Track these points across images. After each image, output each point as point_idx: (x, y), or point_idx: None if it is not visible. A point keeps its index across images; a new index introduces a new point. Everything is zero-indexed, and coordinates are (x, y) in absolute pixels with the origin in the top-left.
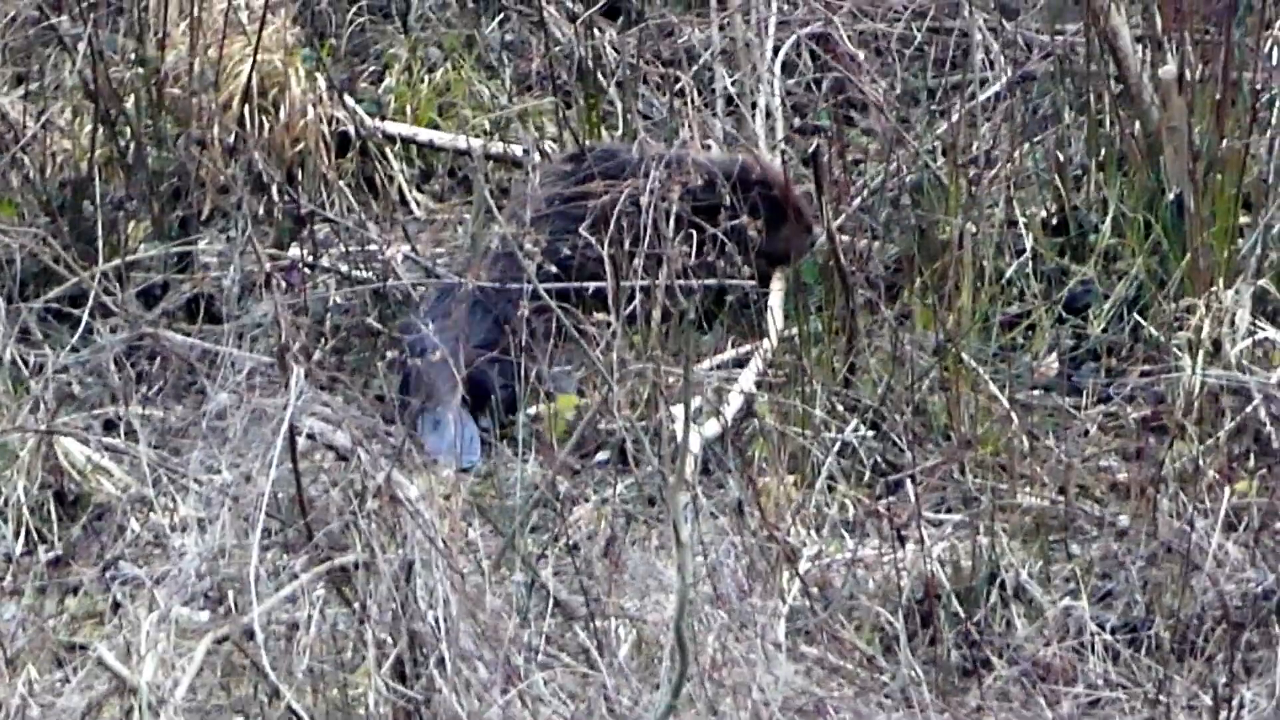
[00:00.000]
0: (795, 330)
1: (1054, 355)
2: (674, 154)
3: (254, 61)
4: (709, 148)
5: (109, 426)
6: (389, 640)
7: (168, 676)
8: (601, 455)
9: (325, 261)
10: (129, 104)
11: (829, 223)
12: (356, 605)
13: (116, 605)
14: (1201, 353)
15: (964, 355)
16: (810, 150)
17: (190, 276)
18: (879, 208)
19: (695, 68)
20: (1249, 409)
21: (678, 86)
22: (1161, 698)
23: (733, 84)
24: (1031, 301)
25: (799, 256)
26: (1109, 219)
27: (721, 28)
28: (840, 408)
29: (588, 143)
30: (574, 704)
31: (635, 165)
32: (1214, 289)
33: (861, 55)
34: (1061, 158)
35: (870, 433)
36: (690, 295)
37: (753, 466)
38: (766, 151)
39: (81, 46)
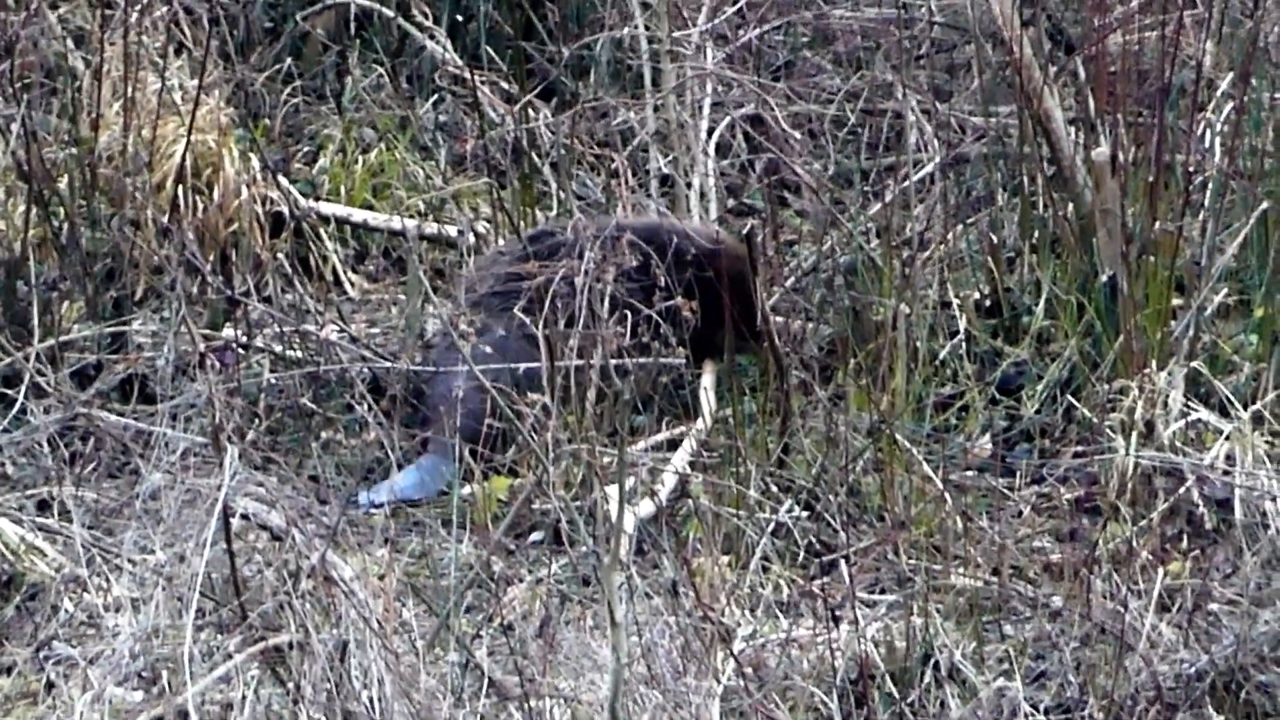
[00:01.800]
0: (730, 411)
1: (988, 436)
2: (612, 224)
3: (188, 142)
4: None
5: (43, 506)
6: None
7: None
8: (536, 535)
9: (259, 342)
10: (62, 184)
11: (763, 307)
12: (291, 685)
13: (50, 685)
14: (1135, 434)
15: (898, 436)
16: (744, 231)
17: (124, 357)
18: (813, 289)
19: (630, 148)
20: (1182, 490)
21: (612, 167)
22: None
23: (667, 164)
24: (965, 382)
25: (739, 351)
26: (1042, 300)
27: (656, 109)
28: (774, 488)
29: (523, 225)
30: None
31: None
32: (1147, 371)
33: (796, 136)
34: (995, 239)
35: (804, 513)
36: (625, 376)
37: (687, 547)
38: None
39: (15, 127)
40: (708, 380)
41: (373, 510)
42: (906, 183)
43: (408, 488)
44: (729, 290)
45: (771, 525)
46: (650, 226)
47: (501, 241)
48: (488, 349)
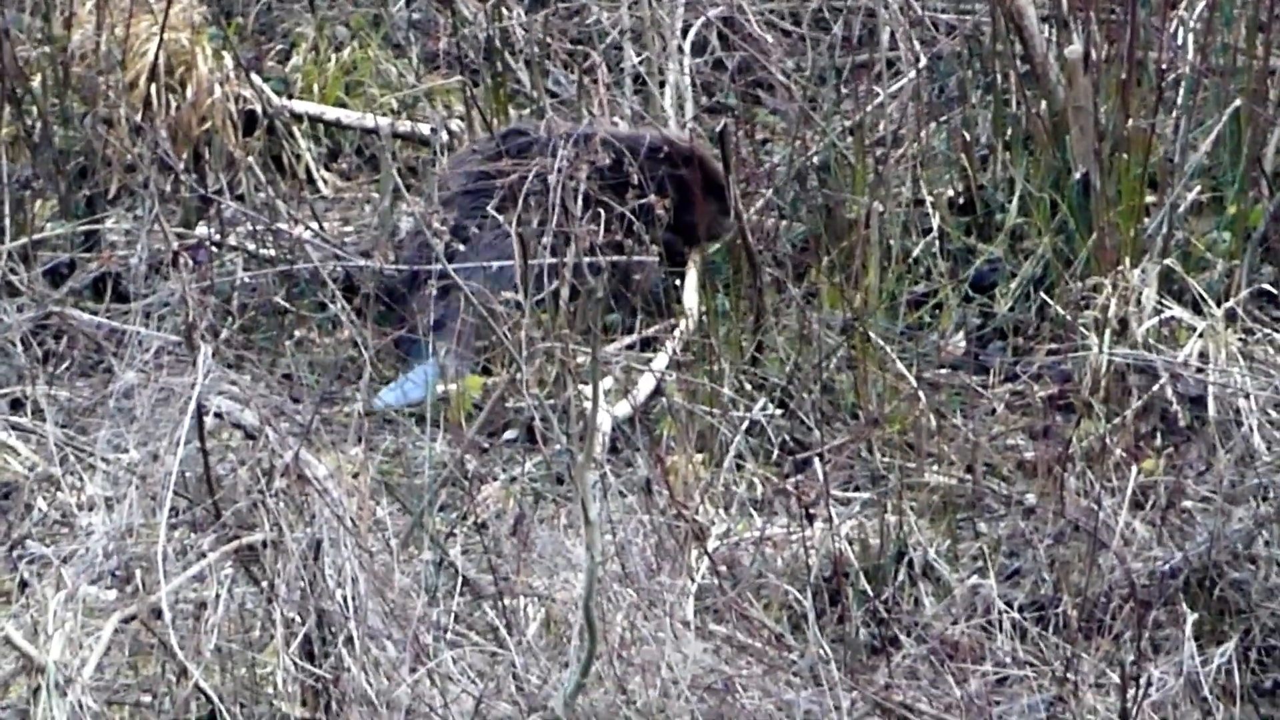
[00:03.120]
0: (703, 309)
1: (961, 334)
2: (583, 131)
3: (160, 40)
4: (618, 125)
5: (15, 405)
6: (297, 619)
7: (75, 655)
8: (510, 434)
9: (232, 240)
10: (35, 83)
11: (736, 202)
12: (264, 584)
13: (23, 584)
14: (1108, 331)
15: (871, 334)
16: (718, 130)
17: (97, 255)
18: (786, 187)
19: (604, 46)
20: (1155, 387)
21: (586, 65)
22: (1069, 675)
23: (641, 63)
24: (938, 280)
25: (714, 237)
26: (1015, 198)
27: (630, 7)
28: (748, 386)
29: (496, 122)
30: (482, 682)
31: (544, 144)
32: (1120, 268)
33: (769, 36)
34: (968, 137)
35: (778, 411)
36: (598, 274)
37: (661, 445)
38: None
39: None
40: (690, 278)
41: (391, 409)
42: (880, 81)
43: (417, 389)
44: (702, 187)
45: (745, 423)
46: (624, 133)
47: (474, 139)
48: (462, 248)
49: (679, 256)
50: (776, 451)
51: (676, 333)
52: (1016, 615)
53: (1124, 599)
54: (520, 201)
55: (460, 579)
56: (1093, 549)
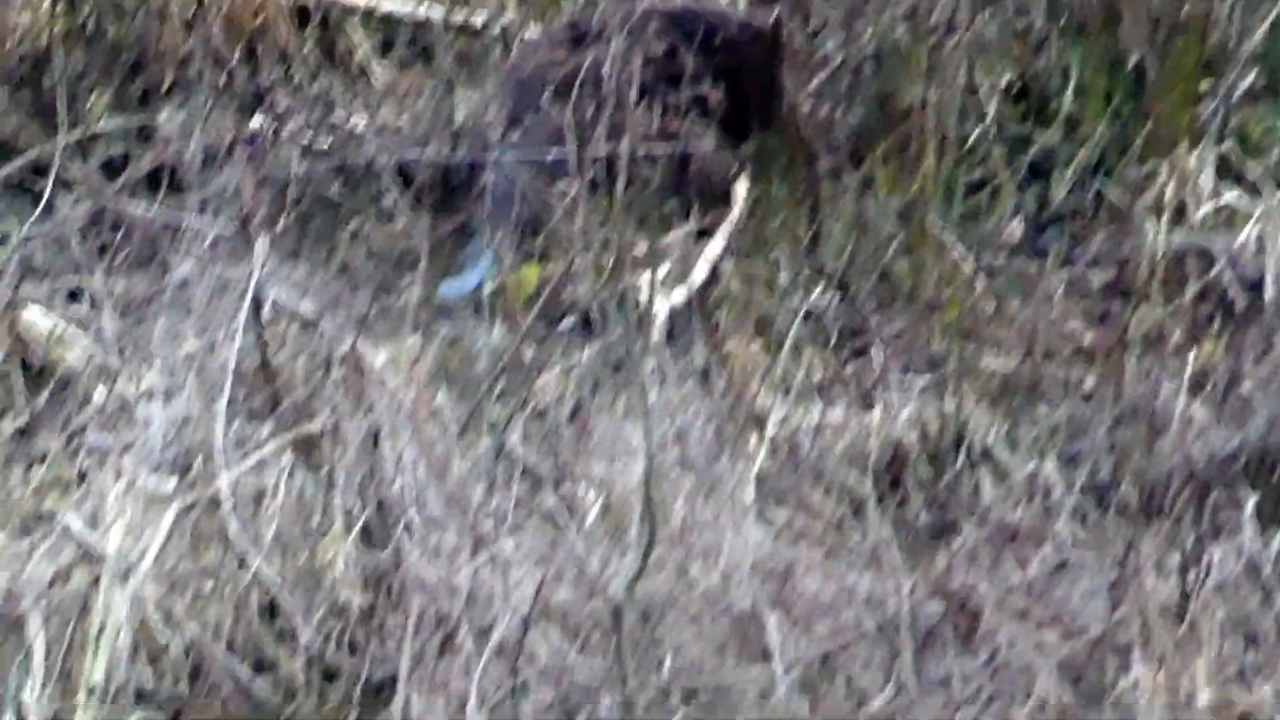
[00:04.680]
0: (760, 197)
1: (1018, 220)
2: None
3: None
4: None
5: (73, 297)
6: (356, 507)
7: (135, 545)
8: (566, 322)
9: (287, 133)
10: None
11: (792, 89)
12: (323, 472)
13: (83, 474)
14: (1165, 216)
15: (928, 220)
16: (772, 17)
17: (152, 148)
18: (841, 75)
19: None
20: (1213, 272)
21: None
22: (1129, 559)
23: None
24: (995, 166)
25: (769, 123)
26: (1071, 84)
27: None
28: (805, 273)
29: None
30: (543, 568)
31: (600, 33)
32: (1177, 153)
33: None
34: (1022, 24)
35: (836, 297)
36: (655, 163)
37: (719, 332)
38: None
39: None
40: (741, 169)
41: (455, 299)
42: None
43: (474, 278)
44: (758, 74)
45: (803, 310)
46: (680, 10)
47: (531, 30)
48: (517, 137)
49: (742, 140)
50: (834, 337)
51: (733, 219)
52: (1076, 499)
53: (1183, 482)
54: (577, 89)
55: (519, 466)
56: (1152, 433)
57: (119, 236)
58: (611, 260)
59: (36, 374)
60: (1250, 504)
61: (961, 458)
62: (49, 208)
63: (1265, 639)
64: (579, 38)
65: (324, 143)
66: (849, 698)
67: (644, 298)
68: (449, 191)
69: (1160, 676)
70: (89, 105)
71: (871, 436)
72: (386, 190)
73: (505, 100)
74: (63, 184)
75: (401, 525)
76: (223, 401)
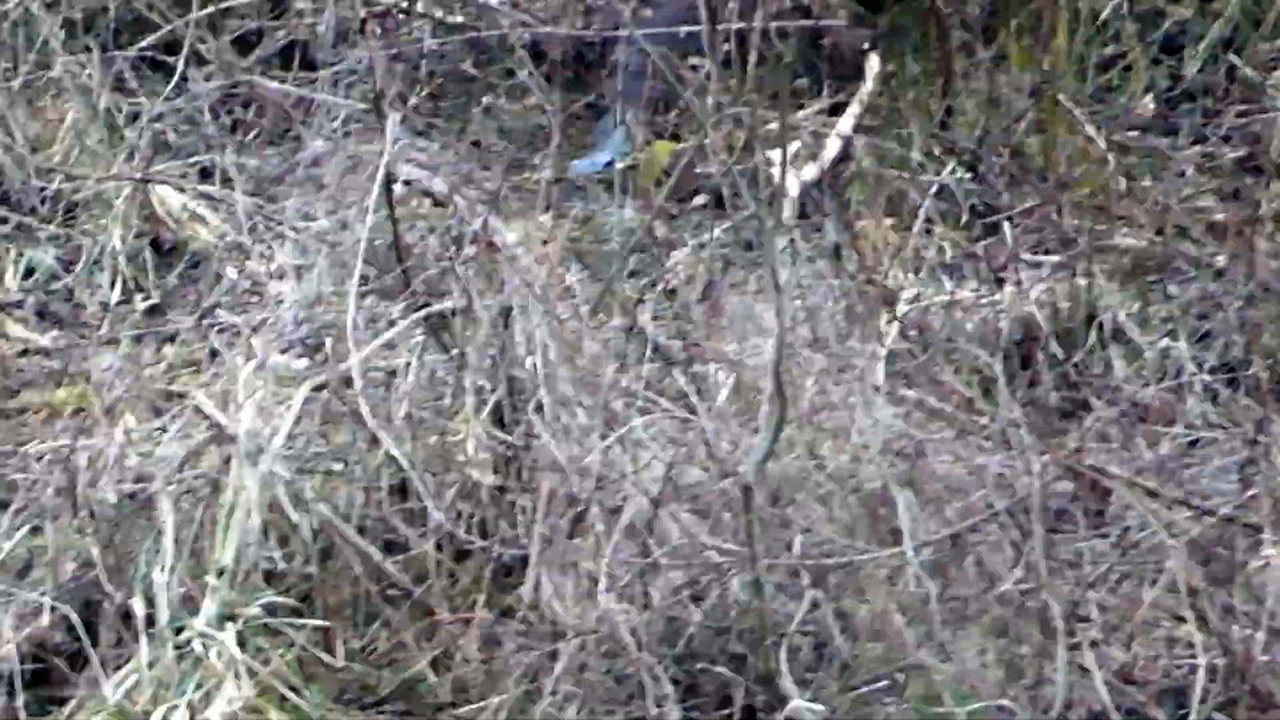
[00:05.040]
0: (892, 73)
1: (1150, 96)
2: None
3: None
4: None
5: (204, 174)
6: (487, 386)
7: (266, 424)
8: (698, 200)
9: (420, 7)
10: None
11: None
12: (454, 352)
13: (214, 353)
14: None
15: (1060, 96)
16: None
17: (285, 23)
18: None
19: None
20: None
21: None
22: (1260, 438)
23: None
24: (1127, 43)
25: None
26: None
27: None
28: (937, 150)
29: None
30: (673, 448)
31: None
32: None
33: None
34: None
35: (967, 175)
36: (786, 39)
37: (850, 210)
38: None
39: None
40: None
41: (586, 176)
42: None
43: (606, 155)
44: None
45: (934, 187)
46: None
47: None
48: (649, 13)
49: (875, 16)
50: (965, 215)
51: (864, 96)
52: (1207, 377)
53: None
54: None
55: (650, 345)
56: None
57: (251, 113)
58: (743, 137)
59: (167, 252)
60: None
61: (1092, 336)
62: (181, 84)
63: None
64: None
65: (456, 18)
66: (979, 578)
67: (775, 175)
68: (581, 68)
69: None
70: None
71: (1002, 315)
72: (519, 67)
73: None
74: (195, 60)
75: (532, 405)
76: (354, 280)
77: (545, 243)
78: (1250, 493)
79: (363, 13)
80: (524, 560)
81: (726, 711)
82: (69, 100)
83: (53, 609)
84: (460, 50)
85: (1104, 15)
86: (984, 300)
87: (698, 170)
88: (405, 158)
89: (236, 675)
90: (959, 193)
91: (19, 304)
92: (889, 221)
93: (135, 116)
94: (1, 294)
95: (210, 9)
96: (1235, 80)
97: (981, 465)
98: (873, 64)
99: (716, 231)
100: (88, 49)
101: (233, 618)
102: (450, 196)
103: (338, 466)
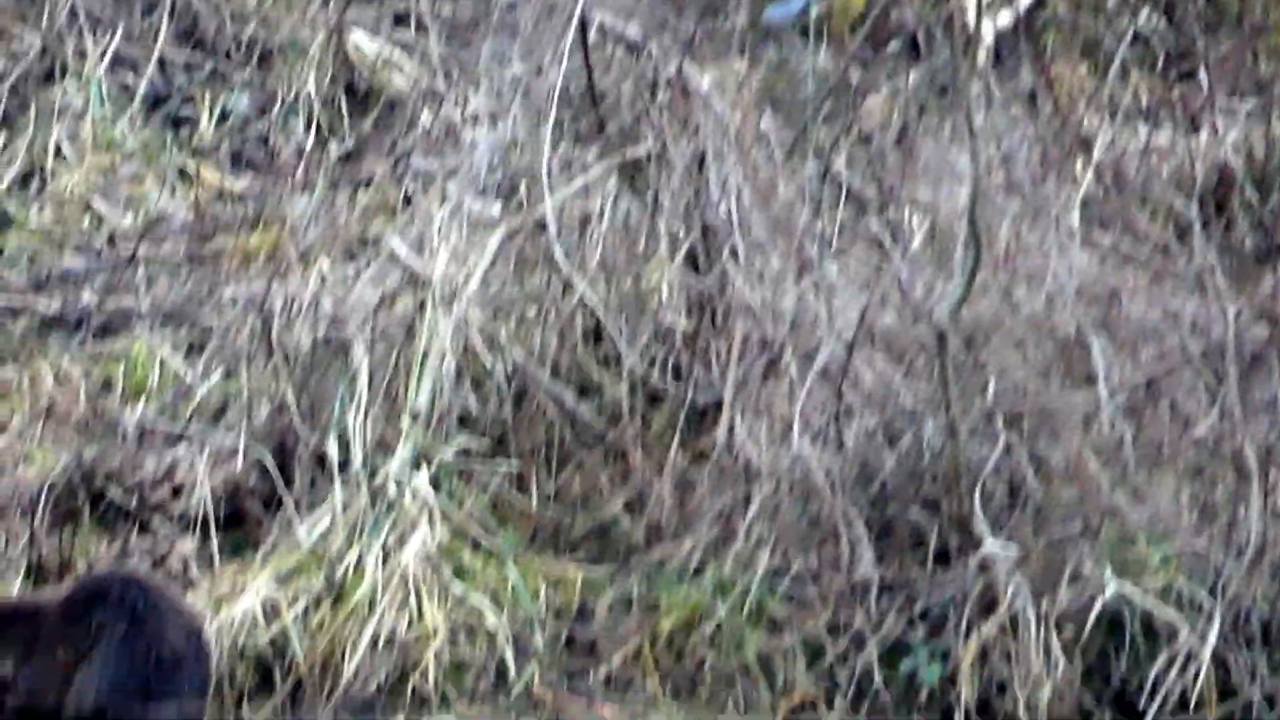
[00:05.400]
0: None
1: None
2: None
3: None
4: None
5: (399, 21)
6: (681, 232)
7: (460, 269)
8: (893, 45)
9: None
10: None
11: None
12: (649, 196)
13: (408, 199)
14: None
15: None
16: None
17: None
18: None
19: None
20: None
21: None
22: None
23: None
24: None
25: None
26: None
27: None
28: None
29: None
30: (867, 293)
31: None
32: None
33: None
34: None
35: (1163, 20)
36: None
37: (1045, 55)
38: None
39: None
40: None
41: (781, 22)
42: None
43: (804, 0)
44: None
45: (1130, 33)
46: None
47: None
48: None
49: None
50: (1161, 61)
51: None
52: None
53: None
54: None
55: (844, 191)
56: None
57: None
58: None
59: (362, 98)
60: None
61: None
62: None
63: None
64: None
65: None
66: (1173, 422)
67: (970, 20)
68: None
69: None
70: None
71: (1198, 160)
72: None
73: None
74: None
75: (726, 250)
76: (548, 125)
77: (739, 88)
78: None
79: None
80: (718, 404)
81: (920, 554)
82: None
83: (247, 452)
84: None
85: None
86: (1179, 145)
87: (892, 15)
88: (600, 3)
89: (430, 518)
90: (1154, 38)
91: (214, 149)
92: (1084, 67)
93: None
94: (197, 139)
95: None
96: None
97: (1176, 309)
98: None
99: (911, 77)
100: None
101: (426, 461)
102: (645, 42)
103: (531, 311)
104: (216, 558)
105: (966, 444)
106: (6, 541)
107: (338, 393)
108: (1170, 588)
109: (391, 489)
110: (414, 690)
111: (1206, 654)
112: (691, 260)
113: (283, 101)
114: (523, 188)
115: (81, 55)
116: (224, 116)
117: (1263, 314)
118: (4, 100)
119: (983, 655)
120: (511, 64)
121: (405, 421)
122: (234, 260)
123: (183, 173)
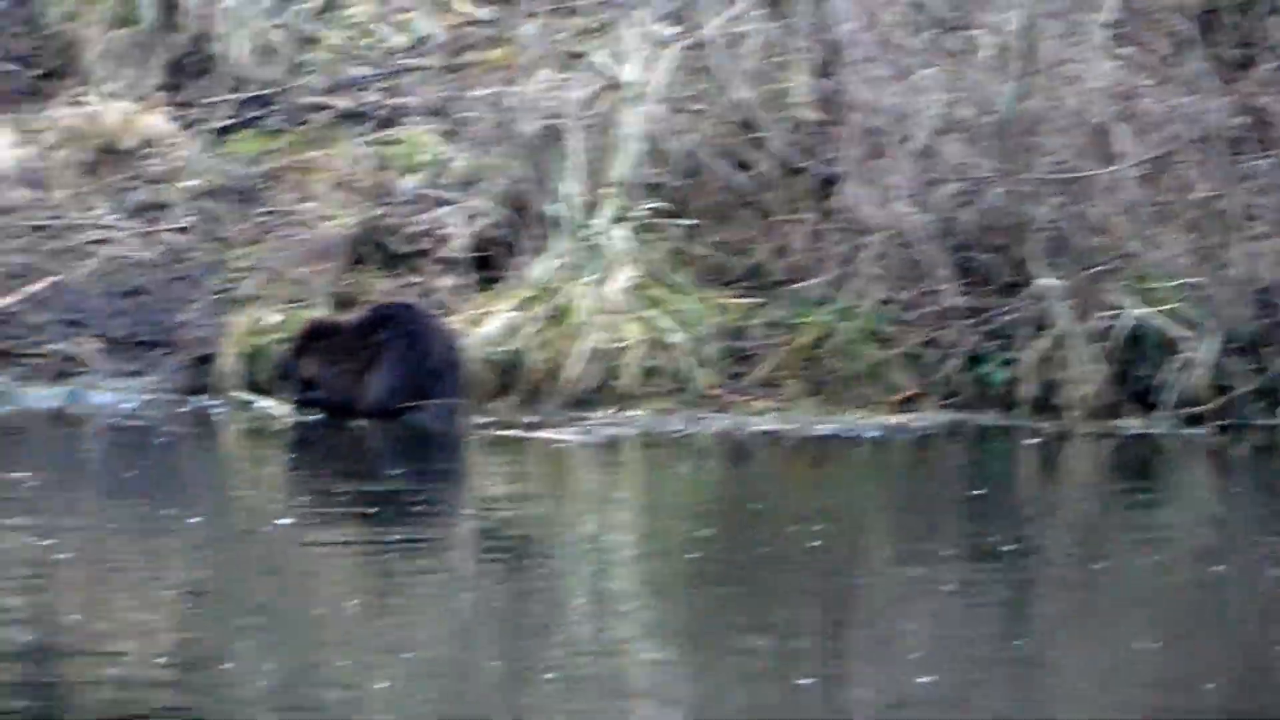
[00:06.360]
0: None
1: None
2: None
3: None
4: None
5: None
6: (810, 47)
7: (646, 76)
8: None
9: None
10: None
11: None
12: (785, 20)
13: (607, 23)
14: None
15: None
16: None
17: None
18: None
19: None
20: None
21: None
22: None
23: None
24: None
25: None
26: None
27: None
28: None
29: None
30: (949, 92)
31: None
32: None
33: None
34: None
35: None
36: None
37: None
38: None
39: None
40: None
41: None
42: None
43: None
44: None
45: None
46: None
47: None
48: None
49: None
50: None
51: None
52: None
53: None
54: None
55: (931, 15)
56: None
57: None
58: None
59: None
60: None
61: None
62: None
63: None
64: None
65: None
66: (1177, 188)
67: None
68: None
69: None
70: None
71: None
72: None
73: None
74: None
75: (844, 59)
76: None
77: None
78: None
79: None
80: (838, 176)
81: (991, 287)
82: None
83: (492, 212)
84: None
85: None
86: None
87: None
88: None
89: (627, 261)
90: None
91: None
92: None
93: None
94: None
95: None
96: None
97: (1179, 104)
98: None
99: None
100: None
101: (624, 218)
102: None
103: (700, 107)
104: (470, 291)
105: (1023, 205)
106: (317, 278)
107: (558, 168)
108: (1177, 311)
109: (599, 240)
110: (617, 390)
111: (1205, 360)
112: (819, 68)
113: None
114: (692, 13)
115: None
116: None
117: (1245, 107)
118: None
119: (1040, 362)
120: None
121: (609, 189)
122: (479, 70)
123: (440, 3)
